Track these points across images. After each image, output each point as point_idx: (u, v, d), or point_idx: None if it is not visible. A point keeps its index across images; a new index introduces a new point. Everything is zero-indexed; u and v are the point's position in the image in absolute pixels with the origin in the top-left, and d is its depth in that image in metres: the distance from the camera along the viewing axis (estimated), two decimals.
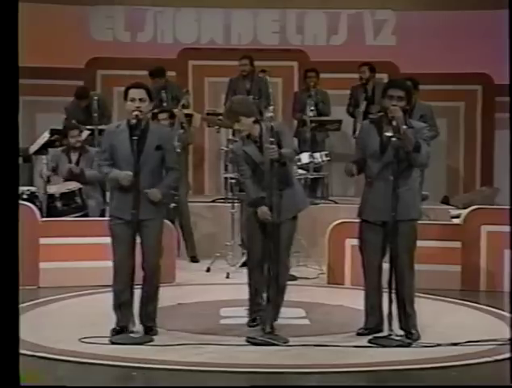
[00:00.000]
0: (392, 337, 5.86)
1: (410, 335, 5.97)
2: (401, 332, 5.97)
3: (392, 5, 12.52)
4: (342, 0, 12.60)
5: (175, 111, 10.02)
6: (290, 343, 5.90)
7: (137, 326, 6.02)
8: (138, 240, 6.02)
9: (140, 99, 5.98)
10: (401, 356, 5.61)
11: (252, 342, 5.89)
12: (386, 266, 6.03)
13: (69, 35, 12.07)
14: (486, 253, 8.26)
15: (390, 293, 5.87)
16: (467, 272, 8.26)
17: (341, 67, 11.93)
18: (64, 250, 8.17)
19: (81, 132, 9.53)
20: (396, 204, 5.83)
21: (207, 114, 11.19)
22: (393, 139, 5.79)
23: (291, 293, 6.55)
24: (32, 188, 9.36)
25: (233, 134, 9.92)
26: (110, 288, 6.14)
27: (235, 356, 5.61)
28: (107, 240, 6.13)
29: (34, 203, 8.71)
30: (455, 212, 10.13)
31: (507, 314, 6.60)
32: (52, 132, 9.62)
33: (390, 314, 5.87)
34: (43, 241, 8.17)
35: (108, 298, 6.16)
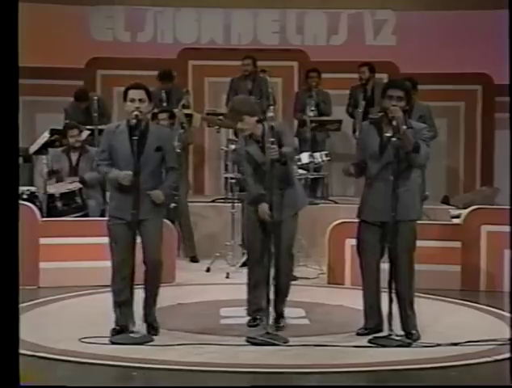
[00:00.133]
0: (392, 337, 5.86)
1: (410, 335, 5.97)
2: (401, 332, 5.97)
3: (392, 5, 12.52)
4: (342, 0, 12.60)
5: (175, 111, 10.03)
6: (290, 343, 5.90)
7: (137, 326, 6.02)
8: (138, 240, 6.03)
9: (140, 100, 5.98)
10: (401, 356, 5.62)
11: (252, 342, 5.89)
12: (385, 266, 6.04)
13: (69, 35, 12.07)
14: (486, 253, 8.26)
15: (390, 293, 5.87)
16: (467, 272, 8.26)
17: (341, 67, 11.93)
18: (64, 250, 8.17)
19: (80, 131, 9.53)
20: (395, 205, 5.83)
21: (207, 114, 11.19)
22: (393, 139, 5.81)
23: (291, 293, 6.54)
24: (32, 188, 9.36)
25: (235, 134, 9.93)
26: (109, 288, 6.14)
27: (235, 356, 5.61)
28: (107, 240, 6.13)
29: (34, 203, 8.71)
30: (455, 212, 10.13)
31: (507, 314, 6.59)
32: (52, 132, 9.62)
33: (390, 314, 5.86)
34: (43, 241, 8.17)
35: (108, 298, 6.17)
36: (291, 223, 6.37)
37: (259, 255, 6.34)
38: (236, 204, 9.42)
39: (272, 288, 6.11)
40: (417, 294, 6.18)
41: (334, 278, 8.41)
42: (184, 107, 10.44)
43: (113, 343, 5.85)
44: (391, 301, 5.85)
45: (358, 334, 6.17)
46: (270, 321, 6.03)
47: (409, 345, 5.86)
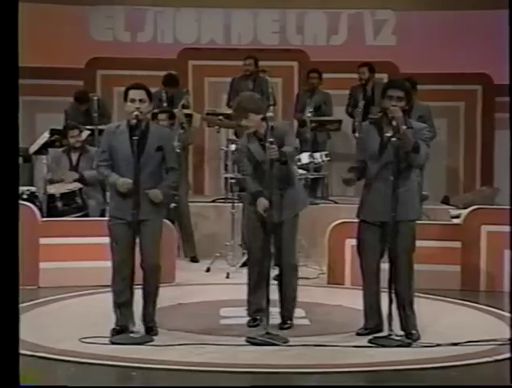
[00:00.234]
0: (392, 337, 5.86)
1: (410, 336, 5.96)
2: (401, 332, 5.97)
3: (392, 5, 12.52)
4: (342, 0, 12.60)
5: (175, 111, 10.03)
6: (290, 343, 5.90)
7: (137, 326, 6.02)
8: (138, 240, 6.04)
9: (140, 100, 5.98)
10: (401, 356, 5.62)
11: (252, 342, 5.89)
12: (385, 266, 6.04)
13: (69, 35, 12.07)
14: (486, 253, 8.26)
15: (390, 293, 5.87)
16: (467, 272, 8.25)
17: (341, 67, 11.92)
18: (64, 250, 8.16)
19: (81, 132, 9.53)
20: (395, 205, 5.83)
21: (207, 114, 11.18)
22: (393, 139, 5.81)
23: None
24: (32, 188, 9.36)
25: (235, 134, 9.93)
26: (110, 288, 6.14)
27: (235, 356, 5.61)
28: (107, 240, 6.13)
29: (34, 203, 8.71)
30: (455, 212, 10.14)
31: (507, 314, 6.59)
32: (52, 132, 9.63)
33: (390, 314, 5.86)
34: (43, 241, 8.17)
35: (108, 298, 6.17)
36: (292, 224, 6.37)
37: (259, 254, 6.34)
38: (236, 204, 9.42)
39: (278, 291, 6.16)
40: (416, 294, 6.18)
41: (334, 278, 8.41)
42: (184, 107, 10.44)
43: (113, 343, 5.85)
44: (391, 301, 5.85)
45: (358, 334, 6.16)
46: (278, 321, 6.03)
47: (409, 345, 5.86)
